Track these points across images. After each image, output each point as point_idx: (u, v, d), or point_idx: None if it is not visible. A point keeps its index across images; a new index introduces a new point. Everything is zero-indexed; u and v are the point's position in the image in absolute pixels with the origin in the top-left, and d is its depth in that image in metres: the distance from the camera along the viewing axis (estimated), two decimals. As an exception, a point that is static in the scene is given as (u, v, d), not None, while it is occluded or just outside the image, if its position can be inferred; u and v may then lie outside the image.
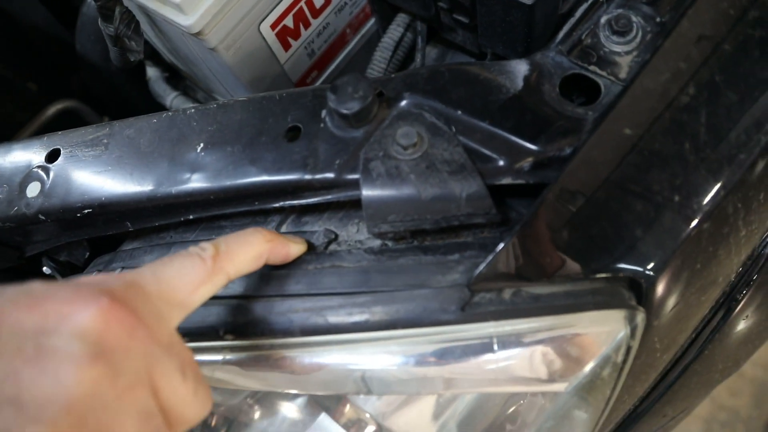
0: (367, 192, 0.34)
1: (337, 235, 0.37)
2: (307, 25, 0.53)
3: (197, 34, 0.45)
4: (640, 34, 0.35)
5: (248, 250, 0.32)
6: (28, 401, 0.21)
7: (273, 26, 0.50)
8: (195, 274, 0.29)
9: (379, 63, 0.52)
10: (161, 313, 0.27)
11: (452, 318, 0.31)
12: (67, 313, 0.23)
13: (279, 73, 0.54)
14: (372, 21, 0.60)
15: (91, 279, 0.26)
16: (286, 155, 0.37)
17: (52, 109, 0.60)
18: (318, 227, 0.38)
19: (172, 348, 0.26)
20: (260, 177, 0.37)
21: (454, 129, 0.34)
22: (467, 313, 0.31)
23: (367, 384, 0.34)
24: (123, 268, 0.42)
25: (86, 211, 0.41)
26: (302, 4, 0.51)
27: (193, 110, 0.41)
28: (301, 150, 0.36)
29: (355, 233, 0.37)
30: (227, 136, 0.39)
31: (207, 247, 0.30)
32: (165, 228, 0.44)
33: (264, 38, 0.50)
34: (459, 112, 0.35)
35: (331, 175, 0.35)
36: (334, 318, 0.33)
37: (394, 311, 0.32)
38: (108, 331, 0.24)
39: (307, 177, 0.36)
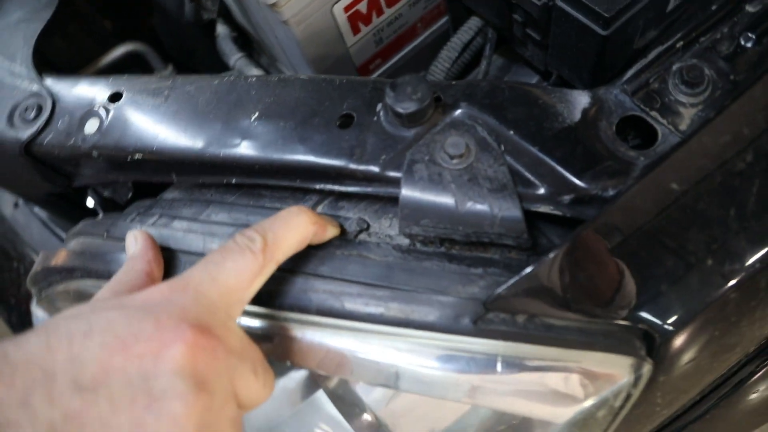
0: (406, 192, 0.35)
1: (369, 225, 0.39)
2: (379, 12, 0.54)
3: (272, 6, 0.47)
4: (710, 88, 0.35)
5: (295, 234, 0.34)
6: None
7: (346, 9, 0.51)
8: (249, 270, 0.31)
9: (443, 62, 0.53)
10: (228, 319, 0.30)
11: (463, 329, 0.33)
12: (159, 353, 0.25)
13: (344, 54, 0.55)
14: (444, 19, 0.60)
15: (164, 306, 0.28)
16: (336, 141, 0.38)
17: (121, 50, 0.62)
18: (352, 215, 0.40)
19: (245, 352, 0.29)
20: (306, 157, 0.38)
21: (503, 147, 0.35)
22: (478, 327, 0.32)
23: (397, 378, 0.35)
24: (161, 215, 0.44)
25: (137, 156, 0.43)
26: (379, -9, 0.52)
27: (254, 79, 0.43)
28: (351, 138, 0.38)
29: (387, 227, 0.39)
30: (282, 110, 0.40)
31: (256, 239, 0.32)
32: (207, 186, 0.46)
33: (335, 19, 0.51)
34: (511, 132, 0.35)
35: (375, 168, 0.36)
36: (351, 305, 0.35)
37: (410, 311, 0.34)
38: (197, 361, 0.26)
39: (352, 166, 0.37)
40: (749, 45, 0.36)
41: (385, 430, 0.39)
